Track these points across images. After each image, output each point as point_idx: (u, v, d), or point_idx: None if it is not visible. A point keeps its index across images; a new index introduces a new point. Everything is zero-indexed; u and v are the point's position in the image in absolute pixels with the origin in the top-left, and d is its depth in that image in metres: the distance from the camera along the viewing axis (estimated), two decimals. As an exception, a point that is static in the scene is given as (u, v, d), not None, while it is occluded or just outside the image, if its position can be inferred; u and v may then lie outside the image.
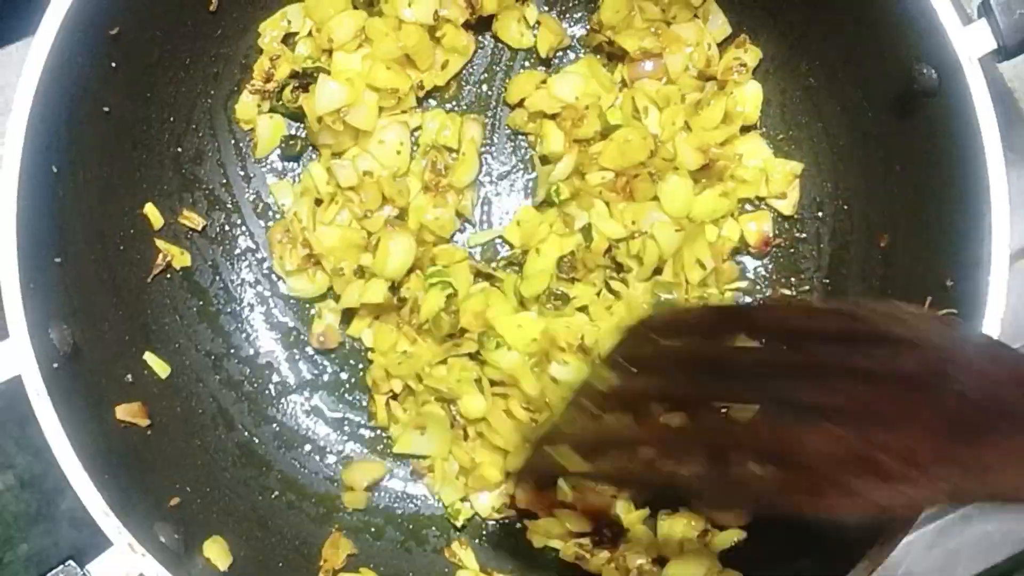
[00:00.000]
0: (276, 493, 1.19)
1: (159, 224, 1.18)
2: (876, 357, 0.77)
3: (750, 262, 1.28)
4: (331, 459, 1.23)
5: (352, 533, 1.20)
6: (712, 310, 1.05)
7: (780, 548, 1.07)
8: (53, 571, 0.92)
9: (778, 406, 0.80)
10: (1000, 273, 0.99)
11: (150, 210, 1.17)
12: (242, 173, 1.26)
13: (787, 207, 1.26)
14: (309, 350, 1.25)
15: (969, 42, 1.02)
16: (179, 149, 1.21)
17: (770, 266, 1.27)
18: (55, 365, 0.97)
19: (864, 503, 0.74)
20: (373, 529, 1.21)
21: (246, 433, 1.21)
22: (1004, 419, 0.71)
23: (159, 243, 1.18)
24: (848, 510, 0.77)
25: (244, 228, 1.26)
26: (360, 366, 1.25)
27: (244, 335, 1.25)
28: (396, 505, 1.23)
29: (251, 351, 1.25)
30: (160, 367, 1.15)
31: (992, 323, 0.98)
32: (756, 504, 1.02)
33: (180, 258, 1.20)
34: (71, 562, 0.92)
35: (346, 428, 1.25)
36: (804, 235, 1.26)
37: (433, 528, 1.22)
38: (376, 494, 1.23)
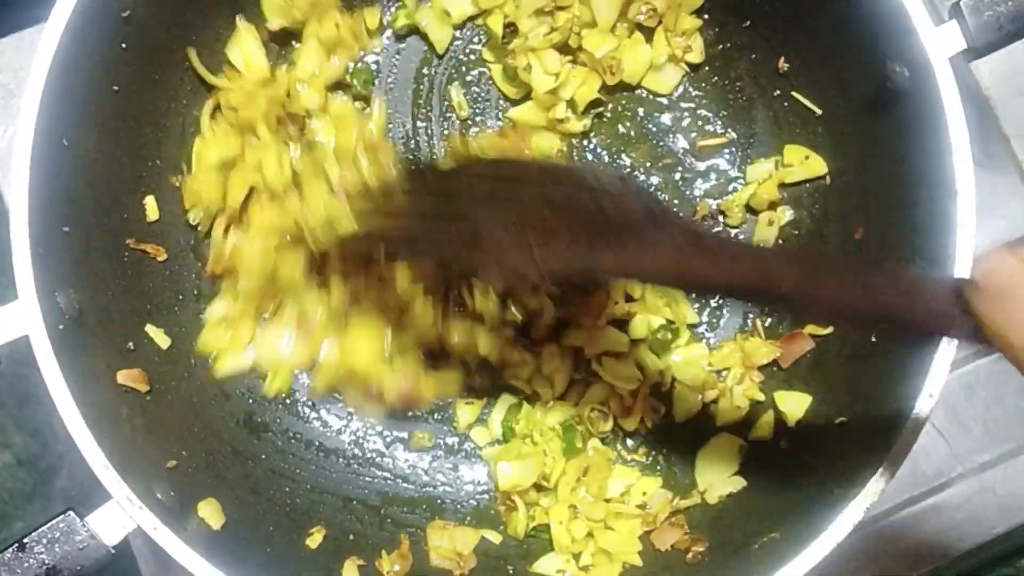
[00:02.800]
0: (268, 462, 1.23)
1: (155, 216, 1.21)
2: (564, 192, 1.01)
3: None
4: (323, 431, 1.27)
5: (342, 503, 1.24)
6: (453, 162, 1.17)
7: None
8: (53, 520, 0.95)
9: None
10: (965, 266, 1.03)
11: (149, 203, 1.20)
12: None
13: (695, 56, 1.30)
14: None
15: (940, 42, 1.06)
16: (184, 129, 1.24)
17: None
18: (60, 327, 1.01)
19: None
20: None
21: (240, 404, 1.24)
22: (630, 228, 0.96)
23: (140, 244, 1.19)
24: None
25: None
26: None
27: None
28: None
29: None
30: (161, 339, 1.19)
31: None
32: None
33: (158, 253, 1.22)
34: (71, 512, 0.96)
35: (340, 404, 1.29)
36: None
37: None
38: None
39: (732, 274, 0.92)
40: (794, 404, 1.22)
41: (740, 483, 1.21)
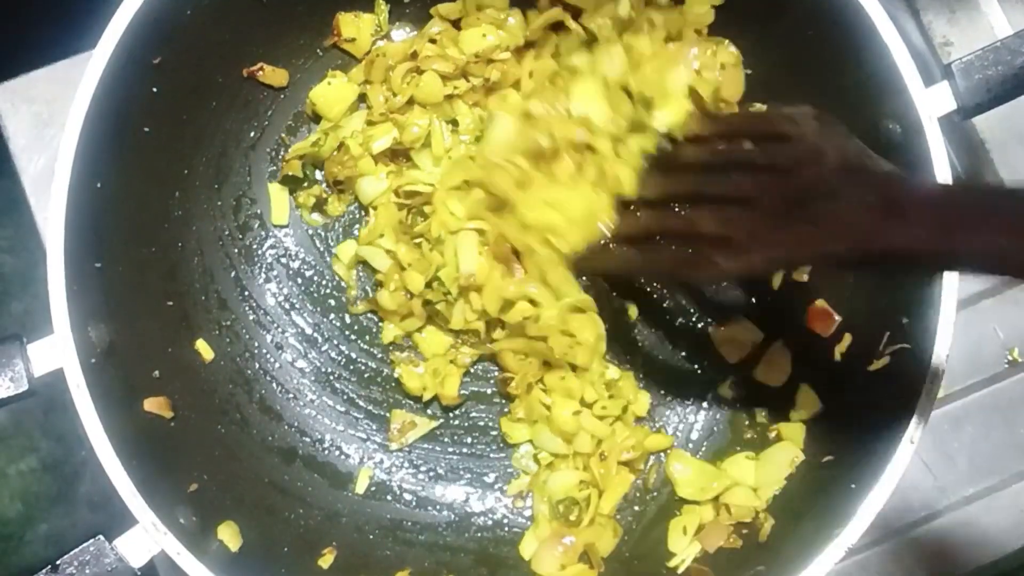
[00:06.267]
0: (285, 486, 1.28)
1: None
2: (766, 152, 1.01)
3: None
4: (340, 458, 1.33)
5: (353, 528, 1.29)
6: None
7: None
8: (83, 545, 1.01)
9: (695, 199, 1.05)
10: (948, 314, 1.09)
11: None
12: (268, 187, 1.36)
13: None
14: (326, 354, 1.35)
15: (931, 102, 1.12)
16: (211, 167, 1.31)
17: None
18: (92, 360, 1.07)
19: (720, 270, 0.99)
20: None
21: (260, 430, 1.29)
22: (826, 197, 0.94)
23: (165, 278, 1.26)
24: (710, 276, 1.09)
25: (270, 238, 1.36)
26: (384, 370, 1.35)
27: (265, 339, 1.34)
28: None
29: (274, 361, 1.33)
30: (206, 352, 1.27)
31: (940, 357, 1.09)
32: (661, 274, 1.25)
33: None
34: (100, 537, 1.02)
35: (359, 433, 1.33)
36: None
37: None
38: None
39: (920, 241, 0.89)
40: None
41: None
